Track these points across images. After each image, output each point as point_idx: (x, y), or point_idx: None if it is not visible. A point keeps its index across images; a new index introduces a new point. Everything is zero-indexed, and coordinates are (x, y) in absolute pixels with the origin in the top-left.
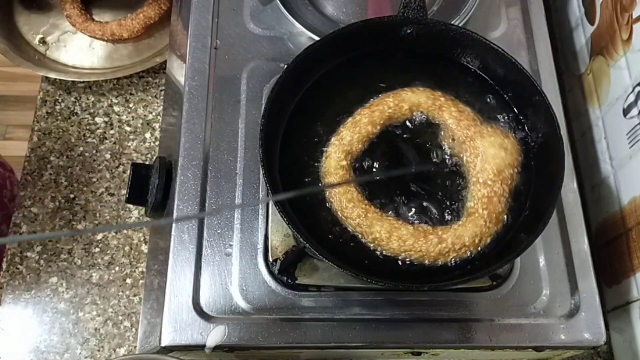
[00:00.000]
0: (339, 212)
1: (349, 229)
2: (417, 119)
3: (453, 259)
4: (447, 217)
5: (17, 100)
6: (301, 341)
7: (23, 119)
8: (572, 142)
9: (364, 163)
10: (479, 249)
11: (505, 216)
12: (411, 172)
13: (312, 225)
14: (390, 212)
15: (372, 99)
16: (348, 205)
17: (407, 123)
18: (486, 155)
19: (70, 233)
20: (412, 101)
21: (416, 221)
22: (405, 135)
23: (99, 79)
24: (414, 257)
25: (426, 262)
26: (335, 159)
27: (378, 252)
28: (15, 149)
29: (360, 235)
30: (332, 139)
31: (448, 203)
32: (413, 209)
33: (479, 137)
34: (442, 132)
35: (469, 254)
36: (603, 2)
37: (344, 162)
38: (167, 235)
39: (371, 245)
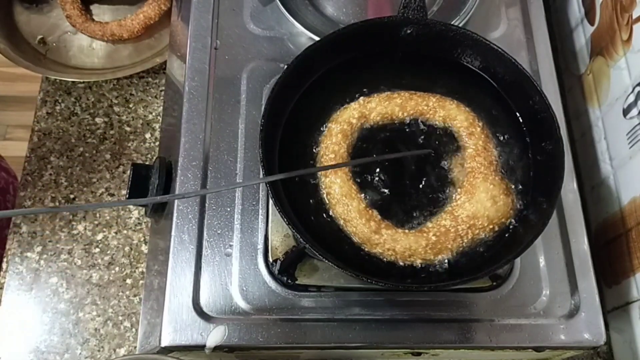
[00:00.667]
0: (341, 222)
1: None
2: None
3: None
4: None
5: (17, 100)
6: (301, 341)
7: (23, 119)
8: (572, 142)
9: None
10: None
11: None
12: (408, 155)
13: (311, 225)
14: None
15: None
16: (351, 217)
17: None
18: (476, 199)
19: (69, 209)
20: (451, 115)
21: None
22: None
23: (99, 79)
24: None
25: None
26: (333, 135)
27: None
28: (15, 149)
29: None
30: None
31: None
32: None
33: (482, 179)
34: (455, 156)
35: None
36: (603, 3)
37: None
38: (167, 235)
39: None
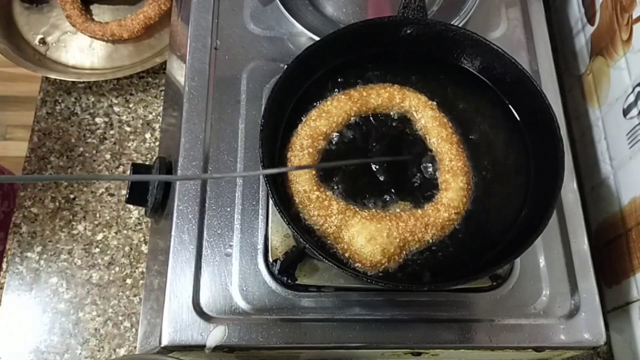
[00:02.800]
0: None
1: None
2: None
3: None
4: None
5: (17, 100)
6: (301, 341)
7: (23, 119)
8: (572, 142)
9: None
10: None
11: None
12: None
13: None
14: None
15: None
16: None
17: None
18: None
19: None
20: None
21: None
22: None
23: (99, 79)
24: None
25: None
26: (302, 136)
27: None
28: (15, 149)
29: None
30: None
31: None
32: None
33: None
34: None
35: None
36: (603, 3)
37: (310, 143)
38: (167, 235)
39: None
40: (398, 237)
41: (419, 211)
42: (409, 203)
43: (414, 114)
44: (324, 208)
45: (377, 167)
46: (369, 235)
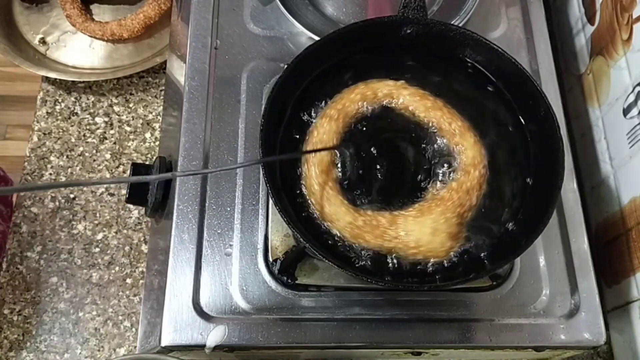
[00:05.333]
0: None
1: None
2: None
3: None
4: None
5: (17, 100)
6: (301, 341)
7: (23, 119)
8: (572, 142)
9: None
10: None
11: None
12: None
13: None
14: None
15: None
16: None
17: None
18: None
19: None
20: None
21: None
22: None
23: (99, 79)
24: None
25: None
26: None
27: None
28: (15, 149)
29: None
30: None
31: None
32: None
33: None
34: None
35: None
36: (603, 2)
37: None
38: (167, 235)
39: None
40: (452, 215)
41: (453, 184)
42: (439, 182)
43: (393, 100)
44: (370, 227)
45: (382, 168)
46: (430, 230)
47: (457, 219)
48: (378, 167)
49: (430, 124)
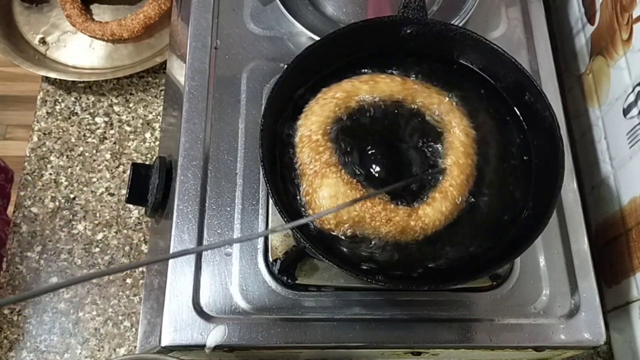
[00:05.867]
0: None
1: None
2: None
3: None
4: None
5: (17, 100)
6: (301, 341)
7: (23, 119)
8: (572, 142)
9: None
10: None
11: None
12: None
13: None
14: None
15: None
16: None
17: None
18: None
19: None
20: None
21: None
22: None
23: (99, 79)
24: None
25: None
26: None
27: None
28: (15, 149)
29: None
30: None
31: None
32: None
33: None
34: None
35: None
36: (603, 2)
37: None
38: (167, 235)
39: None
40: (358, 212)
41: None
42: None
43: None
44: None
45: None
46: (333, 193)
47: (356, 217)
48: (375, 166)
49: (427, 117)
